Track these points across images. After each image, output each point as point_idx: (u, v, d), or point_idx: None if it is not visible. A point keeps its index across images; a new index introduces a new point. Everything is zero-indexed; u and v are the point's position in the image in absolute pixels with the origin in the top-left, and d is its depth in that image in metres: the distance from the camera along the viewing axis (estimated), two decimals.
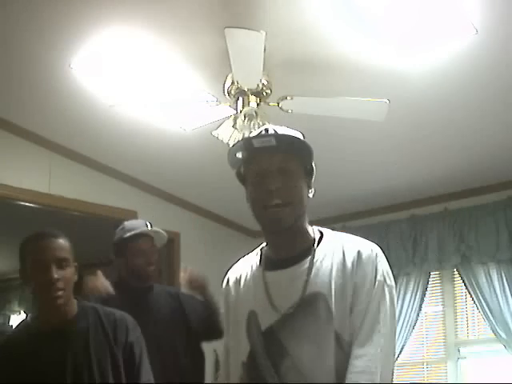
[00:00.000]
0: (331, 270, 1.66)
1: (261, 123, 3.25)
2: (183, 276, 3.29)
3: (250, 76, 3.23)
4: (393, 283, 1.69)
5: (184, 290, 3.33)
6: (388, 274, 1.69)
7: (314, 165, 1.75)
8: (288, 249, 1.73)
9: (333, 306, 1.62)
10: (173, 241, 5.09)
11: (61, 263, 2.13)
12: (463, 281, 4.87)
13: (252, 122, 3.30)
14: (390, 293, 1.67)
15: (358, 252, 1.67)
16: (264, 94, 3.40)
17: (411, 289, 5.03)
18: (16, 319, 8.18)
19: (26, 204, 4.53)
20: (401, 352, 4.92)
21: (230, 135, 3.45)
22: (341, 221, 5.29)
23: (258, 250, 1.84)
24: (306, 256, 1.70)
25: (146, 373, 2.25)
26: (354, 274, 1.65)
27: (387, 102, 3.36)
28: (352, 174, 4.78)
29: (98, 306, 2.36)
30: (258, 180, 1.70)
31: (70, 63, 3.48)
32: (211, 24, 3.16)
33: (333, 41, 3.25)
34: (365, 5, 2.94)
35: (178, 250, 5.27)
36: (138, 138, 4.36)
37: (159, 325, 3.06)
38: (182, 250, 5.29)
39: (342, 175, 4.72)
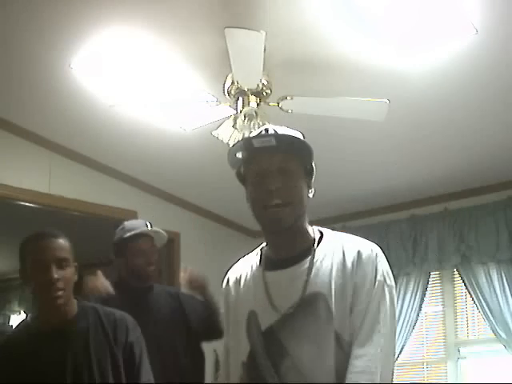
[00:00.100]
0: (331, 269, 1.66)
1: (261, 123, 3.25)
2: (183, 276, 3.29)
3: (250, 76, 3.23)
4: (393, 283, 1.69)
5: (184, 289, 3.33)
6: (388, 274, 1.69)
7: (313, 165, 1.75)
8: (288, 249, 1.73)
9: (333, 306, 1.62)
10: (173, 241, 5.09)
11: (61, 263, 2.14)
12: (463, 281, 4.87)
13: (252, 122, 3.30)
14: (390, 293, 1.67)
15: (358, 252, 1.67)
16: (264, 94, 3.40)
17: (411, 289, 5.02)
18: (16, 319, 8.18)
19: (26, 204, 4.53)
20: (401, 352, 4.92)
21: (230, 135, 3.45)
22: (341, 221, 5.29)
23: (257, 250, 1.84)
24: (306, 256, 1.70)
25: (146, 373, 2.25)
26: (354, 273, 1.65)
27: (387, 102, 3.36)
28: (352, 173, 4.78)
29: (98, 306, 2.36)
30: (257, 180, 1.70)
31: (70, 63, 3.48)
32: (211, 24, 3.16)
33: (333, 41, 3.25)
34: (365, 5, 2.94)
35: (178, 250, 5.27)
36: (138, 138, 4.36)
37: (159, 325, 3.06)
38: (182, 250, 5.29)
39: (341, 175, 4.72)
